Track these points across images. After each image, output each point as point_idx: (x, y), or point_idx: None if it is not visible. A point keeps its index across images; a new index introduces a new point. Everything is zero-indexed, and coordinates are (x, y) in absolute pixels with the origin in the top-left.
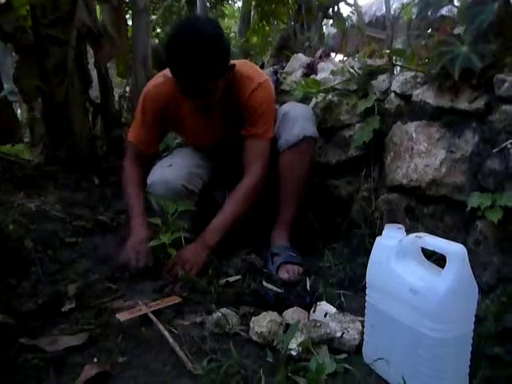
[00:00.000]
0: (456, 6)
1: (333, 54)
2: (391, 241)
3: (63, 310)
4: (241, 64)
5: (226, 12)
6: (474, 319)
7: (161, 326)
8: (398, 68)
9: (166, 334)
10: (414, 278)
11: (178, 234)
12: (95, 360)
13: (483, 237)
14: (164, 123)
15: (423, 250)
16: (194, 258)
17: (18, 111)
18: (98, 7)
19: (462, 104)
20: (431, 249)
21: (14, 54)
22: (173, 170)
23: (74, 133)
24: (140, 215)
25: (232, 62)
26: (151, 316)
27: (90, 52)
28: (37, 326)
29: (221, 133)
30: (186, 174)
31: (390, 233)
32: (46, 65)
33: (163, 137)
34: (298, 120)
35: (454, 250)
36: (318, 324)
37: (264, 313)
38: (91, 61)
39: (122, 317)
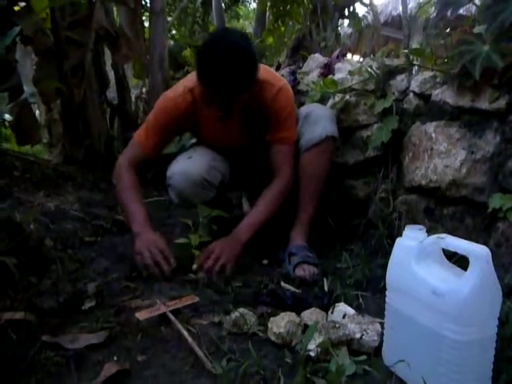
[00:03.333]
0: (476, 5)
1: (349, 55)
2: (412, 242)
3: (83, 308)
4: None
5: (241, 13)
6: (497, 321)
7: (179, 326)
8: (417, 68)
9: (185, 333)
10: (435, 279)
11: (206, 238)
12: (115, 358)
13: (505, 238)
14: (176, 132)
15: (444, 252)
16: (229, 252)
17: (37, 112)
18: (115, 9)
19: (483, 104)
20: (453, 250)
21: (33, 56)
22: (193, 161)
23: (91, 133)
24: (144, 218)
25: None
26: (170, 315)
27: (108, 53)
28: (58, 324)
29: (239, 138)
30: (206, 167)
31: (411, 233)
32: (65, 66)
33: (168, 144)
34: (320, 120)
35: (477, 251)
36: (337, 325)
37: (282, 313)
38: (108, 62)
39: (141, 316)
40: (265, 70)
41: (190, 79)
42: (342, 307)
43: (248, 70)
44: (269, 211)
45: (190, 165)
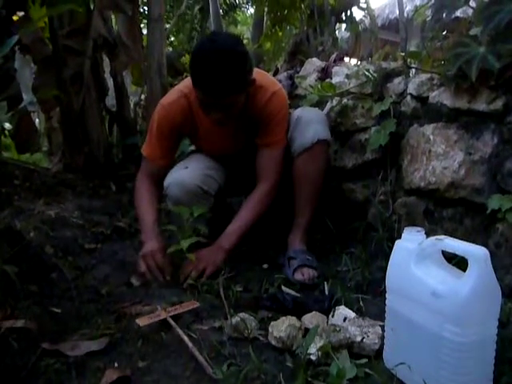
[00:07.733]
0: (472, 7)
1: (346, 59)
2: (411, 244)
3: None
4: (254, 73)
5: (239, 19)
6: (497, 323)
7: (180, 331)
8: (414, 70)
9: (186, 338)
10: (435, 281)
11: (195, 238)
12: (116, 365)
13: (504, 239)
14: (179, 136)
15: (443, 254)
16: (208, 259)
17: (37, 121)
18: (113, 17)
19: (480, 105)
20: (452, 251)
21: (32, 65)
22: (188, 171)
23: (91, 141)
24: (151, 227)
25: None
26: (170, 321)
27: (106, 61)
28: (58, 331)
29: (236, 143)
30: (201, 176)
31: (410, 235)
32: (64, 75)
33: (177, 148)
34: (311, 124)
35: (475, 252)
36: (338, 328)
37: (283, 317)
38: (107, 70)
39: (142, 322)
40: (260, 75)
41: (184, 85)
42: (343, 310)
43: (238, 70)
44: (252, 216)
45: (185, 175)
